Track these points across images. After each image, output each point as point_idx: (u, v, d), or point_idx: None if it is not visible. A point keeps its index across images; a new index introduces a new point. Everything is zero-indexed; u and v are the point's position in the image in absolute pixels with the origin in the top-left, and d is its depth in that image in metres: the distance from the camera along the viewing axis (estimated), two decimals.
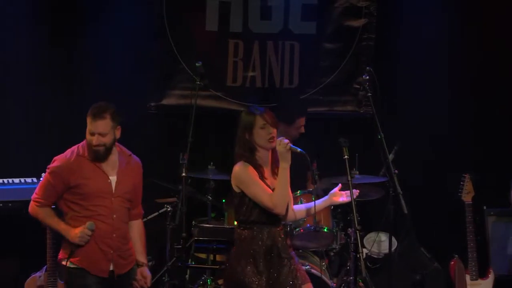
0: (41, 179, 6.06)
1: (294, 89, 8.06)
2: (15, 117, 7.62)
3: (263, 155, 5.64)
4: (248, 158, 5.60)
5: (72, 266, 5.56)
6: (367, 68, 6.39)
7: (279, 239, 5.64)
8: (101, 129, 5.54)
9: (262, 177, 5.59)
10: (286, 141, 5.49)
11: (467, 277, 7.10)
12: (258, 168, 5.61)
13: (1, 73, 7.57)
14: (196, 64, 6.56)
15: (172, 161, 6.95)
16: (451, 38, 8.08)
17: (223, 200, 7.01)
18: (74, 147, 5.66)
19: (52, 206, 5.69)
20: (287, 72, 8.11)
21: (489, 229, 7.48)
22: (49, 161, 5.70)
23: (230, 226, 6.74)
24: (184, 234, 6.26)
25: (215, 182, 7.15)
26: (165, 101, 8.02)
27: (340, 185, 5.84)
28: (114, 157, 5.67)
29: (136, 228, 5.81)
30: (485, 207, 7.49)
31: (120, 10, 7.75)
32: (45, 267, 6.57)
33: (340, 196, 5.78)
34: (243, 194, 5.59)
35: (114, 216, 5.61)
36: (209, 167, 7.19)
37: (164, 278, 6.65)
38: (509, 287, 7.39)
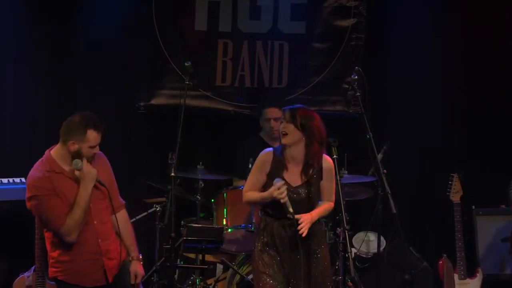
0: None
1: (283, 89, 8.06)
2: (1, 115, 7.60)
3: (293, 151, 5.63)
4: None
5: (66, 282, 5.42)
6: (356, 68, 6.39)
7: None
8: (100, 140, 5.42)
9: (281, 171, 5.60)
10: (283, 192, 5.46)
11: (456, 277, 7.11)
12: (281, 161, 5.62)
13: None
14: (185, 64, 6.56)
15: (161, 161, 6.96)
16: (441, 37, 8.07)
17: (212, 200, 7.00)
18: (36, 166, 5.40)
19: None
20: (276, 72, 8.10)
21: (477, 229, 7.50)
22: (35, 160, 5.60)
23: (219, 226, 6.75)
24: (173, 234, 6.25)
25: (204, 182, 7.14)
26: (154, 101, 8.01)
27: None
28: None
29: (121, 220, 5.58)
30: (473, 207, 7.51)
31: (109, 8, 7.74)
32: (33, 267, 6.55)
33: None
34: None
35: (95, 222, 5.44)
36: (198, 167, 7.16)
37: (153, 278, 6.63)
38: (497, 286, 7.41)
